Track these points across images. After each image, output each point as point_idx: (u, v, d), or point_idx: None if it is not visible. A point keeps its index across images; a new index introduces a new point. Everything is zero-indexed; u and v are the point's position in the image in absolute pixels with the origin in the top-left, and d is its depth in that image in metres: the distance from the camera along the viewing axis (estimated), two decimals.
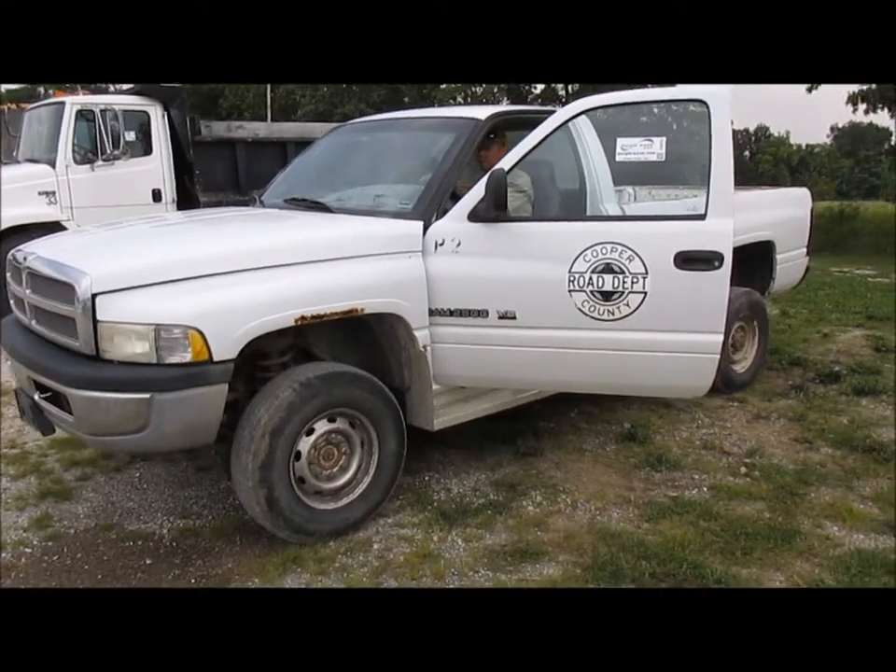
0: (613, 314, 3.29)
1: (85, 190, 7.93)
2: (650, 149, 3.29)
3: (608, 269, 3.25)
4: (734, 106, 3.19)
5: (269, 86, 24.18)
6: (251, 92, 29.07)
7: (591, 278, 3.27)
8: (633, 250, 3.23)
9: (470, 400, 3.73)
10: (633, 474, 3.92)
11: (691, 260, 3.21)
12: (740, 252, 4.86)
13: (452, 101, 27.70)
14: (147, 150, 8.46)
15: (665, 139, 3.26)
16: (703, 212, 3.22)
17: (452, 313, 3.38)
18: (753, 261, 5.27)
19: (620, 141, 3.36)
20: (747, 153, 59.48)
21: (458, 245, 3.35)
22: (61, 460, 4.18)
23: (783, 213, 5.47)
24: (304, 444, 3.15)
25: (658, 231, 3.30)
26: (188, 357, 2.77)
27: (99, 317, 2.79)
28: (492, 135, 3.97)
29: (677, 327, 3.29)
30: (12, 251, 3.58)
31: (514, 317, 3.36)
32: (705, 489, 3.75)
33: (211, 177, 8.87)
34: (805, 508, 3.54)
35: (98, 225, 4.18)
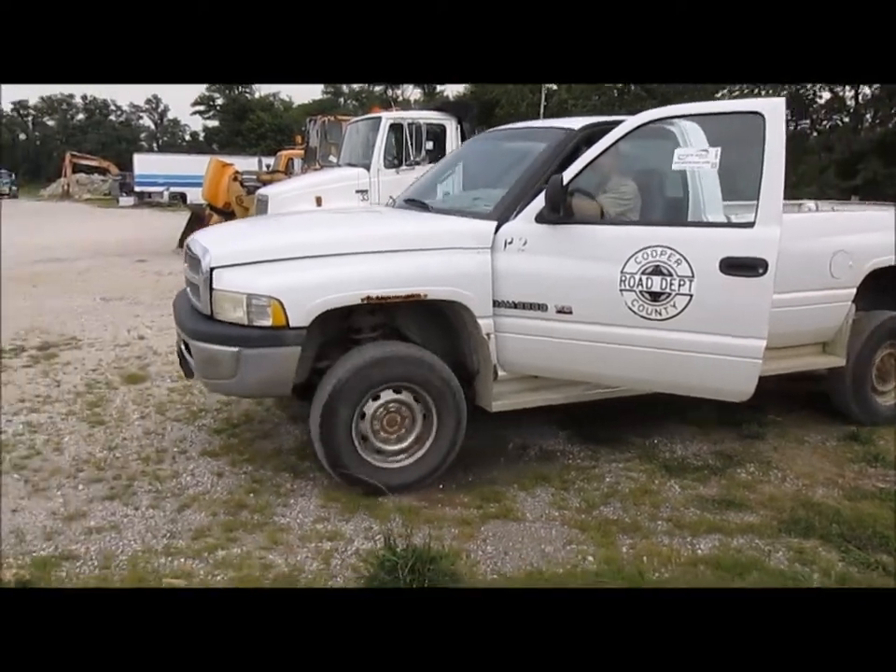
0: (661, 313, 3.43)
1: (390, 190, 9.25)
2: (704, 159, 3.38)
3: (657, 271, 3.40)
4: None
5: (543, 96, 25.09)
6: (525, 101, 30.22)
7: (641, 279, 3.43)
8: (681, 254, 3.35)
9: (539, 391, 4.01)
10: (847, 466, 4.19)
11: (736, 266, 3.27)
12: (890, 272, 4.58)
13: None
14: (441, 157, 9.71)
15: (719, 149, 3.33)
16: (752, 220, 3.26)
17: (515, 305, 3.71)
18: None
19: (677, 151, 3.49)
20: None
21: (525, 243, 3.67)
22: None
23: None
24: (369, 408, 3.66)
25: (706, 236, 3.38)
26: (269, 322, 3.43)
27: (214, 286, 3.54)
28: None
29: (720, 330, 3.35)
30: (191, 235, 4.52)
31: (570, 312, 3.61)
32: None
33: None
34: None
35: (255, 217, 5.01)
